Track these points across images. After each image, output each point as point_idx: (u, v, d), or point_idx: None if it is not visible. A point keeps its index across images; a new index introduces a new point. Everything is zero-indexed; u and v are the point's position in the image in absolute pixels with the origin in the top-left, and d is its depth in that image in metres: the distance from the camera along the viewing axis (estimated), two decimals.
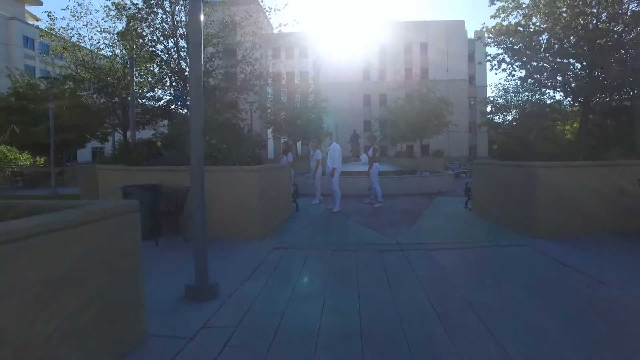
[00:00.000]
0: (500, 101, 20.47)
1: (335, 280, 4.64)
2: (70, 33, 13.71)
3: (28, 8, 53.66)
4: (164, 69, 12.08)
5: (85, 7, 13.69)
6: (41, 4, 55.43)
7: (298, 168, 14.72)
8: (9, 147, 19.89)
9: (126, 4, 11.61)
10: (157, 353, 2.90)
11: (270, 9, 14.25)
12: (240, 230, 6.53)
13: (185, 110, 12.64)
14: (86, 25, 13.86)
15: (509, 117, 19.46)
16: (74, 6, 13.54)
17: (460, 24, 57.66)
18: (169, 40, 11.58)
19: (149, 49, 11.66)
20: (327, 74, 53.99)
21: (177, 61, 11.54)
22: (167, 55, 11.74)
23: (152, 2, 11.30)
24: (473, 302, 3.80)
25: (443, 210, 9.99)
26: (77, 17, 13.49)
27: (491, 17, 9.80)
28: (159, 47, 11.69)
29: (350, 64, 56.92)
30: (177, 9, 11.35)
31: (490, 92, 54.20)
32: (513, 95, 18.25)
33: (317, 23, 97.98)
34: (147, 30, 11.60)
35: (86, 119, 17.78)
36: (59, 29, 13.61)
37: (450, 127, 29.29)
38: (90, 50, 14.04)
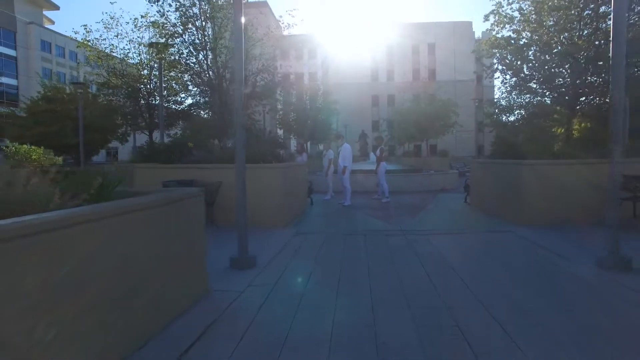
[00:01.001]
0: (503, 102, 21.24)
1: (348, 255, 5.69)
2: (104, 44, 15.03)
3: (46, 12, 55.61)
4: (195, 78, 13.19)
5: (117, 20, 14.95)
6: (58, 8, 57.30)
7: (311, 167, 15.77)
8: (34, 147, 21.16)
9: (163, 23, 12.79)
10: (219, 300, 3.98)
11: (288, 25, 15.23)
12: (266, 219, 7.58)
13: (209, 113, 13.73)
14: (117, 36, 15.13)
15: (512, 118, 20.24)
16: (107, 19, 14.84)
17: (468, 24, 58.34)
18: (200, 53, 12.72)
19: (182, 61, 12.82)
20: (335, 74, 55.14)
21: (206, 72, 12.66)
22: (198, 67, 12.89)
23: (185, 19, 12.46)
24: (457, 269, 4.85)
25: (444, 205, 11.01)
26: (109, 28, 14.77)
27: (487, 30, 10.83)
28: (192, 59, 12.87)
29: (359, 65, 57.98)
30: (207, 25, 12.48)
31: (498, 92, 54.75)
32: (515, 97, 19.02)
33: (326, 25, 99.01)
34: (181, 46, 12.88)
35: (110, 120, 19.07)
36: (93, 40, 14.91)
37: (456, 127, 30.16)
38: (121, 59, 15.29)
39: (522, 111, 12.77)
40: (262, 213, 7.59)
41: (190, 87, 14.86)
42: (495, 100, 19.19)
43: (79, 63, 16.75)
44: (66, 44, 51.61)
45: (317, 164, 18.04)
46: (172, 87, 15.11)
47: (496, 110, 14.66)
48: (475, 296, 3.98)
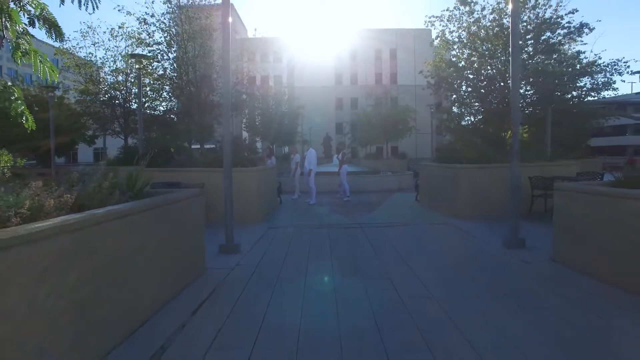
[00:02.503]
0: (455, 110, 23.18)
1: (314, 243, 7.02)
2: (81, 51, 15.56)
3: None
4: (176, 89, 14.09)
5: (94, 29, 15.51)
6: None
7: (278, 169, 17.01)
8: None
9: (145, 40, 13.65)
10: (217, 274, 5.19)
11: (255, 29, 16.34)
12: (243, 216, 8.73)
13: (185, 119, 14.62)
14: (94, 44, 15.68)
15: (463, 123, 22.18)
16: (84, 29, 15.40)
17: (428, 32, 61.11)
18: (181, 68, 13.66)
19: (166, 75, 13.73)
20: (300, 77, 56.55)
21: (187, 86, 13.59)
22: (179, 80, 13.83)
23: (170, 39, 13.44)
24: (397, 248, 6.32)
25: (397, 202, 12.58)
26: (85, 36, 15.31)
27: (433, 52, 12.62)
28: (174, 74, 13.75)
29: (323, 69, 59.53)
30: (188, 44, 13.44)
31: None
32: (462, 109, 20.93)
33: (291, 29, 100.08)
34: (165, 62, 13.87)
35: (76, 123, 19.52)
36: (70, 47, 15.38)
37: (414, 131, 32.25)
38: (97, 67, 15.87)
39: (471, 118, 14.52)
40: (240, 210, 8.74)
41: (165, 95, 15.72)
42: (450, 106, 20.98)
43: (59, 70, 17.32)
44: (38, 47, 50.50)
45: (284, 165, 19.27)
46: (148, 94, 15.81)
47: (445, 116, 16.33)
48: (406, 263, 5.44)
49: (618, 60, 14.24)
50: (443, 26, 12.44)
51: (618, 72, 14.13)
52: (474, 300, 4.12)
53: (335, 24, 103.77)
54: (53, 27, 4.05)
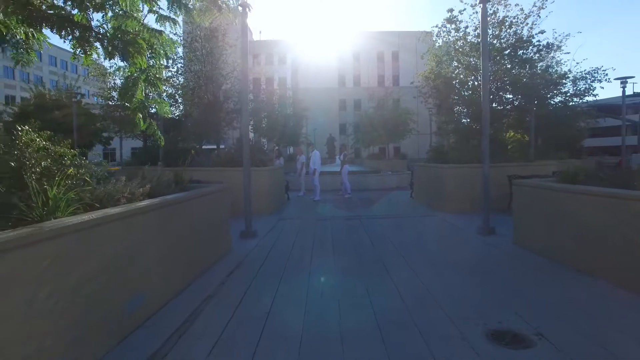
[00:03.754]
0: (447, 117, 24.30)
1: (319, 231, 8.30)
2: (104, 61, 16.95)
3: None
4: (194, 98, 15.41)
5: None
6: None
7: (285, 168, 18.30)
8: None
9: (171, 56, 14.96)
10: (240, 252, 6.48)
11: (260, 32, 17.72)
12: (256, 209, 9.98)
13: (198, 122, 15.92)
14: None
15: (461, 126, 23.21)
16: None
17: (429, 34, 62.31)
18: (201, 80, 15.07)
19: (189, 86, 15.16)
20: (304, 79, 57.85)
21: (205, 95, 14.92)
22: (199, 90, 15.19)
23: (191, 54, 14.96)
24: (388, 235, 7.59)
25: (394, 199, 13.84)
26: None
27: (424, 66, 14.02)
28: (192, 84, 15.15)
29: (327, 71, 60.77)
30: (207, 59, 14.87)
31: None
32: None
33: (295, 31, 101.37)
34: (186, 74, 15.36)
35: (91, 125, 21.00)
36: (95, 58, 16.53)
37: (414, 132, 33.41)
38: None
39: (466, 120, 15.68)
40: (254, 204, 10.02)
41: (182, 101, 17.02)
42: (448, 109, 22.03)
43: (80, 76, 18.85)
44: (58, 54, 53.87)
45: (290, 165, 20.54)
46: (164, 99, 17.05)
47: (443, 119, 17.46)
48: (394, 246, 6.72)
49: (597, 68, 15.49)
50: (433, 41, 13.79)
51: (598, 80, 15.38)
52: (439, 268, 5.39)
53: (338, 26, 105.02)
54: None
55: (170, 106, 17.01)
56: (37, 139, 3.48)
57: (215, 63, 15.38)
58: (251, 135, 38.97)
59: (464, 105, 13.14)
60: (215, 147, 16.56)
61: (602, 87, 57.11)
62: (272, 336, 3.44)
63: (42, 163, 3.33)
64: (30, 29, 3.07)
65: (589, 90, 15.46)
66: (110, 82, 17.30)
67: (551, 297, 4.27)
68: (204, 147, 18.01)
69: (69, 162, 3.56)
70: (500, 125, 13.45)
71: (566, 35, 13.74)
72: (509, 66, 12.42)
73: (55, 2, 3.04)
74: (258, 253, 6.51)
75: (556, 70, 14.34)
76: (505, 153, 11.91)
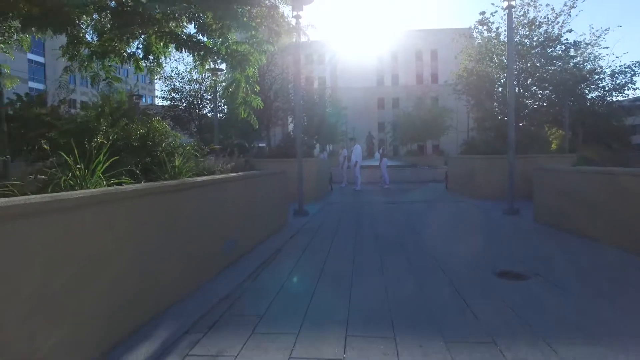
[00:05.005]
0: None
1: (361, 212, 9.50)
2: (165, 66, 18.82)
3: None
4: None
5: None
6: None
7: (329, 163, 19.61)
8: None
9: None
10: (296, 225, 7.78)
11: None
12: (306, 195, 11.35)
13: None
14: (176, 60, 19.06)
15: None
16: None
17: (468, 31, 61.87)
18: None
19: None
20: (343, 78, 58.97)
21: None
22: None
23: None
24: (423, 216, 8.69)
25: (429, 189, 14.81)
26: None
27: (459, 66, 14.97)
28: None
29: (365, 70, 61.61)
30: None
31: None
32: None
33: (334, 31, 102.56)
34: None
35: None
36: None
37: (452, 129, 33.89)
38: (181, 78, 19.35)
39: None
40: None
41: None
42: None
43: (137, 82, 21.20)
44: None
45: (333, 160, 21.86)
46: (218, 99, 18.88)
47: (480, 115, 18.18)
48: (427, 223, 7.82)
49: (639, 62, 15.66)
50: (466, 42, 14.66)
51: (639, 73, 15.58)
52: (465, 236, 6.47)
53: (376, 25, 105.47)
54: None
55: (225, 105, 18.82)
56: (160, 126, 4.92)
57: (268, 65, 16.96)
58: (292, 130, 40.80)
59: (497, 102, 13.92)
60: (262, 144, 18.28)
61: None
62: (332, 264, 4.69)
63: (163, 144, 4.76)
64: (166, 49, 4.51)
65: (628, 85, 15.68)
66: (170, 85, 19.26)
67: (552, 254, 5.27)
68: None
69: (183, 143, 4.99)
70: (534, 121, 14.11)
71: (605, 30, 14.16)
72: (537, 64, 13.10)
73: (189, 32, 4.44)
74: (311, 225, 7.80)
75: (585, 66, 14.72)
76: (543, 147, 12.56)
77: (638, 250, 4.85)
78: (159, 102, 20.99)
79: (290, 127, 36.66)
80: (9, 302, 1.93)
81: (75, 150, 3.09)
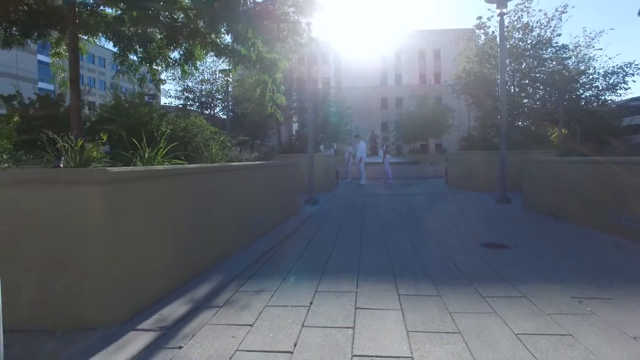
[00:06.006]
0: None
1: (366, 202, 10.34)
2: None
3: None
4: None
5: None
6: None
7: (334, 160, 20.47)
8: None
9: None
10: (306, 213, 8.64)
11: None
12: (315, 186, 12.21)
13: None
14: None
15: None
16: None
17: (471, 32, 62.51)
18: None
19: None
20: (347, 78, 59.71)
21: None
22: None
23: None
24: (423, 206, 9.52)
25: (430, 184, 15.64)
26: None
27: (458, 63, 15.76)
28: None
29: (369, 70, 62.28)
30: None
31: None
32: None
33: (337, 31, 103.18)
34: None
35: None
36: None
37: (454, 128, 34.64)
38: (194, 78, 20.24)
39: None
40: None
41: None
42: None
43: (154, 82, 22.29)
44: (106, 55, 58.13)
45: (338, 158, 22.71)
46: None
47: (481, 114, 19.00)
48: (426, 210, 8.65)
49: (630, 63, 16.43)
50: (464, 44, 15.53)
51: (630, 74, 16.35)
52: (459, 220, 7.30)
53: (379, 25, 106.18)
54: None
55: (236, 105, 19.73)
56: (199, 121, 5.80)
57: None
58: (296, 129, 41.65)
59: (493, 101, 14.76)
60: (268, 143, 19.26)
61: (634, 81, 55.61)
62: (343, 238, 5.54)
63: (199, 135, 5.63)
64: (205, 55, 5.42)
65: (620, 85, 16.44)
66: (183, 85, 20.17)
67: (532, 231, 6.11)
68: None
69: (217, 135, 5.86)
70: (530, 119, 14.93)
71: (599, 33, 14.97)
72: (530, 66, 13.94)
73: (223, 41, 5.31)
74: (322, 212, 8.66)
75: (579, 67, 15.55)
76: (544, 145, 13.34)
77: (601, 227, 5.68)
78: (166, 101, 21.77)
79: (295, 126, 37.64)
80: (136, 230, 2.82)
81: (140, 139, 3.96)
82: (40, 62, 54.64)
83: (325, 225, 6.98)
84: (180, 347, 2.47)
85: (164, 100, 25.92)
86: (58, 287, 2.69)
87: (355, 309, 3.04)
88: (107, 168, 2.84)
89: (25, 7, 4.42)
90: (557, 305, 3.03)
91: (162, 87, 24.49)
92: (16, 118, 4.41)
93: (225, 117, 20.75)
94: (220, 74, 18.38)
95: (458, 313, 2.92)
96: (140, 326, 2.75)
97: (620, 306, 3.01)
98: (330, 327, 2.71)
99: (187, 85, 20.03)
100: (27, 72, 51.47)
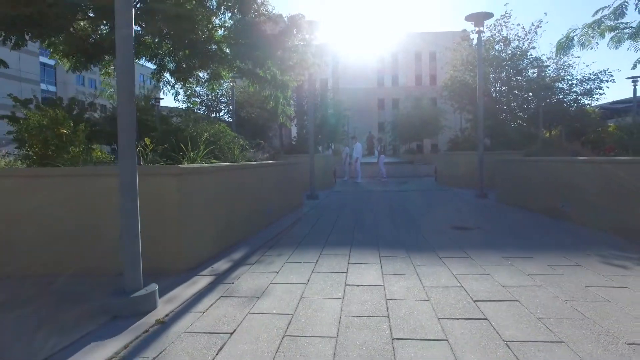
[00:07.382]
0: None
1: (362, 197, 11.63)
2: None
3: None
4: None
5: None
6: None
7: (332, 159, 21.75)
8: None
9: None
10: (308, 206, 9.92)
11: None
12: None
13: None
14: None
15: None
16: None
17: (466, 34, 63.97)
18: None
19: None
20: (344, 79, 60.95)
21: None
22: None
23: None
24: (412, 200, 10.83)
25: (421, 182, 16.96)
26: None
27: (446, 75, 17.18)
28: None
29: (366, 71, 63.58)
30: None
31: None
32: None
33: (335, 33, 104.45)
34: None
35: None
36: None
37: (447, 129, 35.98)
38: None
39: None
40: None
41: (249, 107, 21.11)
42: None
43: (154, 87, 23.46)
44: (138, 70, 59.59)
45: (335, 158, 24.03)
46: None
47: (471, 117, 20.34)
48: (414, 203, 9.95)
49: (604, 70, 17.84)
50: (451, 54, 16.92)
51: (605, 80, 17.75)
52: (439, 210, 8.60)
53: (376, 27, 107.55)
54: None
55: (241, 109, 21.04)
56: (222, 127, 7.09)
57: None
58: (295, 130, 42.96)
59: (475, 107, 16.17)
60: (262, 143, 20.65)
61: (608, 87, 57.60)
62: (340, 223, 6.84)
63: (222, 139, 6.92)
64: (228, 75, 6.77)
65: (596, 90, 17.84)
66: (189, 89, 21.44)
67: (495, 218, 7.43)
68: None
69: (236, 139, 7.16)
70: (514, 120, 16.32)
71: (538, 58, 16.43)
72: (509, 74, 15.33)
73: (244, 66, 6.67)
74: (323, 205, 9.95)
75: (559, 73, 16.96)
76: (523, 144, 14.69)
77: (552, 214, 7.00)
78: (172, 104, 23.05)
79: (293, 129, 38.98)
80: (196, 208, 4.12)
81: (185, 144, 5.25)
82: (42, 63, 55.91)
83: (325, 214, 8.27)
84: (232, 283, 3.76)
85: (171, 103, 27.11)
86: (154, 244, 3.98)
87: (348, 263, 4.34)
88: (179, 165, 4.13)
89: (92, 40, 5.70)
90: (489, 261, 4.34)
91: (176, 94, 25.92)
92: (82, 126, 5.68)
93: (230, 119, 22.06)
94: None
95: (419, 265, 4.23)
96: (202, 273, 4.04)
97: (532, 260, 4.32)
98: (331, 272, 4.02)
99: (195, 90, 21.33)
100: (30, 74, 52.69)
